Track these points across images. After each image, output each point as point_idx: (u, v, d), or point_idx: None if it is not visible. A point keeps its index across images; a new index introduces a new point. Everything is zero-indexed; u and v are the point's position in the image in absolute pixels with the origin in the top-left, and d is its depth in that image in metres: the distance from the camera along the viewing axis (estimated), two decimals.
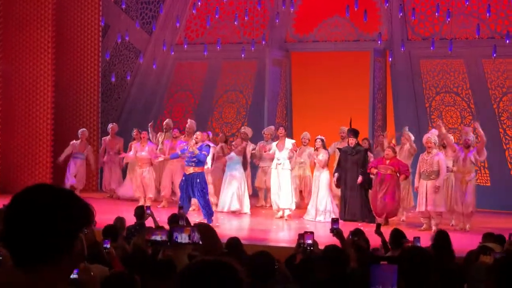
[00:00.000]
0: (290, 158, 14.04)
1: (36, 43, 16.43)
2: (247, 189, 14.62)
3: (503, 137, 16.17)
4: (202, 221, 10.15)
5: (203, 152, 12.73)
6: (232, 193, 14.34)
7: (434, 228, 12.33)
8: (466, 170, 12.73)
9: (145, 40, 18.90)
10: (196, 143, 12.78)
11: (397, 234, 7.75)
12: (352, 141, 13.83)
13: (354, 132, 14.01)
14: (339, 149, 14.34)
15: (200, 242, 6.23)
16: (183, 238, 6.40)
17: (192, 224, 9.49)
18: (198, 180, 12.62)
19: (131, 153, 15.45)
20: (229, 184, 14.40)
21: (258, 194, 15.85)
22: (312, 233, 6.45)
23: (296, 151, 14.24)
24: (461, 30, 16.58)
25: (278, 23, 17.51)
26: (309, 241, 6.33)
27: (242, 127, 15.67)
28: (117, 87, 18.98)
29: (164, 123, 16.05)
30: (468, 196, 12.63)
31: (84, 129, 16.53)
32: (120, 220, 8.86)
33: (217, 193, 14.76)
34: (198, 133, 13.34)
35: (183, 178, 12.90)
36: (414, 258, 3.45)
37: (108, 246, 6.82)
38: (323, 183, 13.62)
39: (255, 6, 17.24)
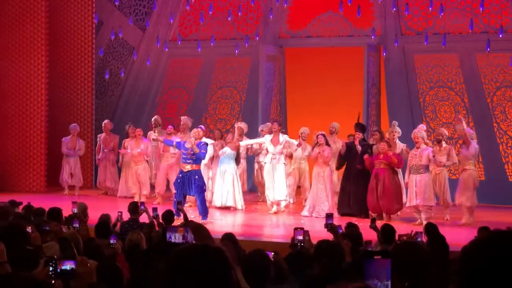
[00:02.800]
0: (282, 153, 14.05)
1: (29, 40, 16.40)
2: (240, 185, 14.63)
3: (496, 131, 16.20)
4: (193, 220, 10.11)
5: (202, 151, 12.73)
6: (227, 189, 14.33)
7: (424, 222, 12.36)
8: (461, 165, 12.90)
9: (139, 37, 18.87)
10: (196, 139, 12.74)
11: (388, 230, 7.77)
12: (359, 135, 13.78)
13: (360, 127, 13.98)
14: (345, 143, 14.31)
15: (194, 242, 6.25)
16: (177, 238, 6.43)
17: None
18: (196, 177, 12.60)
19: (128, 150, 15.40)
20: (223, 180, 14.39)
21: (258, 190, 15.85)
22: (302, 229, 6.48)
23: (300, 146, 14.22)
24: (455, 24, 16.60)
25: (272, 18, 17.50)
26: (300, 237, 6.36)
27: (237, 122, 15.67)
28: (111, 84, 18.95)
29: (153, 120, 15.99)
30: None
31: (74, 124, 16.48)
32: (106, 217, 8.86)
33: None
34: (195, 130, 13.29)
35: (180, 175, 12.87)
36: (407, 253, 3.45)
37: (115, 242, 6.84)
38: (325, 179, 13.57)
39: (248, 2, 17.23)
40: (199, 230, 7.36)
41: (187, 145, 12.72)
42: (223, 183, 14.34)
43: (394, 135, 14.12)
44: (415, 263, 3.42)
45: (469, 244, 1.98)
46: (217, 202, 14.33)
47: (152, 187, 15.58)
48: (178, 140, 13.52)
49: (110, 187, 16.32)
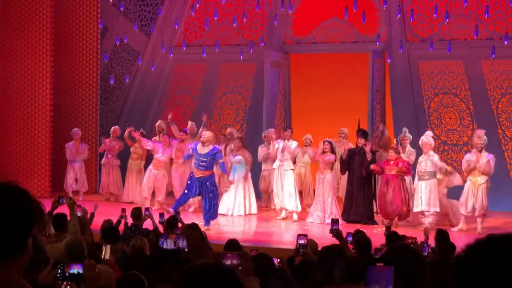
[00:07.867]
0: (289, 159, 14.07)
1: (35, 46, 16.43)
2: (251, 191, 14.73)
3: (502, 138, 16.16)
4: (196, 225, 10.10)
5: (219, 153, 12.70)
6: (245, 196, 14.43)
7: (426, 225, 12.31)
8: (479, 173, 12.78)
9: (144, 42, 18.90)
10: (203, 142, 12.68)
11: (393, 236, 7.75)
12: (361, 141, 13.74)
13: (362, 133, 13.96)
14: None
15: (186, 249, 6.25)
16: (168, 244, 6.43)
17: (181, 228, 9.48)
18: (208, 183, 12.55)
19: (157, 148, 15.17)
20: (236, 189, 14.43)
21: (262, 196, 15.85)
22: (305, 235, 6.53)
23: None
24: (460, 31, 16.58)
25: (277, 25, 17.50)
26: (301, 242, 6.39)
27: (228, 128, 15.77)
28: (116, 89, 18.97)
29: (156, 125, 15.96)
30: (480, 199, 12.65)
31: (76, 129, 16.48)
32: (109, 223, 8.85)
33: None
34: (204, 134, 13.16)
35: (188, 182, 12.78)
36: (400, 257, 3.42)
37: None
38: (327, 185, 13.55)
39: (253, 8, 17.25)
40: (193, 237, 7.36)
41: (199, 151, 12.63)
42: (237, 192, 14.39)
43: (405, 142, 14.13)
44: (407, 266, 3.38)
45: (463, 248, 1.97)
46: (233, 211, 14.36)
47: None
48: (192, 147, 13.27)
49: (113, 192, 16.30)
